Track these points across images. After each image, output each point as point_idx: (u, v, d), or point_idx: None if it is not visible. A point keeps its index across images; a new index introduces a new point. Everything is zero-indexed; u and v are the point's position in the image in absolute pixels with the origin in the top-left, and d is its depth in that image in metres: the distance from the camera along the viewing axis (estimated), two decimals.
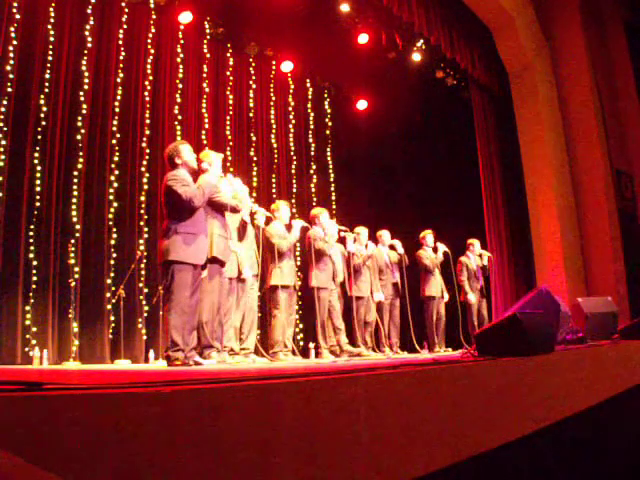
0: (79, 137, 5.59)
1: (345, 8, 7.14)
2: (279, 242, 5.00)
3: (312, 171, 8.50)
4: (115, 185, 5.86)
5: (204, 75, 7.14)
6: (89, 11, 5.91)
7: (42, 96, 5.35)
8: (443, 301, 6.78)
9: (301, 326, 7.44)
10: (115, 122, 5.97)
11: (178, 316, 3.50)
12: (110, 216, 5.74)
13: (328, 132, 8.94)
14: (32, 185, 5.17)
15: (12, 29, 5.17)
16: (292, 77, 8.39)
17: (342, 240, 5.91)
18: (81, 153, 5.58)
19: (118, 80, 6.05)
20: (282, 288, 4.97)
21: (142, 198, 6.07)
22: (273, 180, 7.83)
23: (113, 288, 5.55)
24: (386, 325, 6.38)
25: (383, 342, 6.27)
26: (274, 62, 8.08)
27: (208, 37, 7.25)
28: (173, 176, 3.64)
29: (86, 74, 5.76)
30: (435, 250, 6.79)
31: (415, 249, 6.89)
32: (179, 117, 6.65)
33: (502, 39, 8.24)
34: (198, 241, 3.65)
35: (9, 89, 5.07)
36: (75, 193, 5.49)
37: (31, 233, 5.09)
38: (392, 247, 6.52)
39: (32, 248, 5.07)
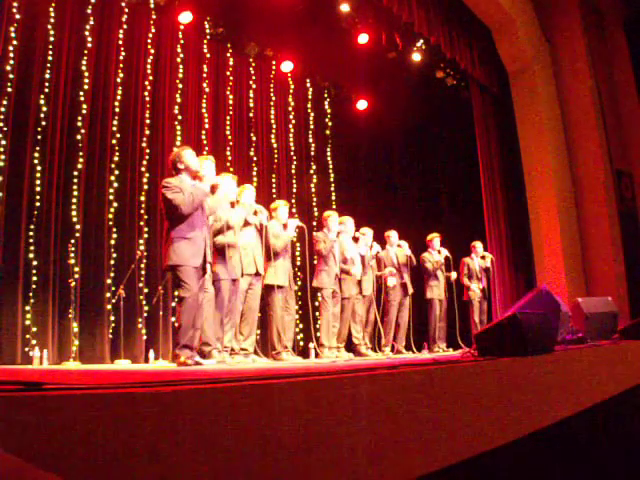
0: (79, 137, 5.58)
1: (345, 8, 7.13)
2: (274, 241, 5.01)
3: (312, 171, 8.49)
4: (115, 185, 5.86)
5: (204, 75, 7.13)
6: (89, 11, 5.90)
7: (42, 96, 5.35)
8: (445, 303, 6.81)
9: (301, 326, 7.43)
10: (115, 122, 5.96)
11: (189, 315, 3.58)
12: (110, 216, 5.73)
13: (328, 132, 8.92)
14: (32, 185, 5.17)
15: (12, 29, 5.17)
16: (292, 77, 8.39)
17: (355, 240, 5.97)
18: (81, 153, 5.57)
19: (118, 80, 6.04)
20: (276, 288, 4.97)
21: (142, 198, 6.06)
22: (273, 180, 7.83)
23: (113, 288, 5.55)
24: (392, 325, 6.39)
25: (383, 342, 6.28)
26: (274, 62, 8.07)
27: (208, 37, 7.25)
28: (166, 183, 3.76)
29: (86, 74, 5.75)
30: (439, 253, 6.82)
31: (414, 249, 6.90)
32: (179, 117, 6.65)
33: (502, 39, 8.24)
34: (193, 244, 3.71)
35: (9, 89, 5.06)
36: (75, 193, 5.49)
37: (31, 233, 5.08)
38: (399, 247, 6.55)
39: (32, 248, 5.06)
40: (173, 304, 5.99)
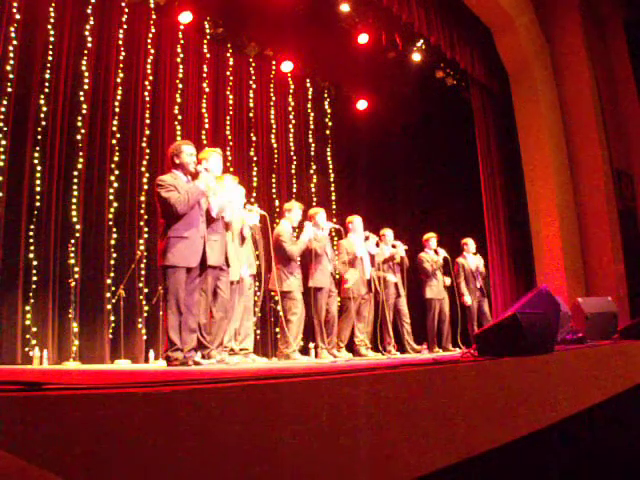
0: (79, 137, 5.58)
1: (345, 8, 7.13)
2: (291, 248, 5.06)
3: (312, 171, 8.49)
4: (115, 185, 5.86)
5: (204, 75, 7.13)
6: (89, 11, 5.90)
7: (42, 96, 5.34)
8: (446, 302, 6.78)
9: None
10: (115, 122, 5.96)
11: (175, 317, 3.56)
12: (110, 216, 5.73)
13: (328, 132, 8.93)
14: (32, 185, 5.17)
15: (12, 29, 5.16)
16: (292, 77, 8.39)
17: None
18: (81, 153, 5.57)
19: (118, 80, 6.04)
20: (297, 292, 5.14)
21: (142, 198, 6.06)
22: (273, 180, 7.83)
23: (113, 288, 5.55)
24: (390, 325, 6.38)
25: (393, 343, 6.28)
26: (274, 62, 8.07)
27: (208, 37, 7.25)
28: (160, 181, 3.73)
29: (86, 74, 5.75)
30: (436, 253, 6.81)
31: (414, 249, 6.89)
32: (179, 117, 6.65)
33: (502, 39, 8.24)
34: (190, 243, 3.67)
35: (9, 89, 5.06)
36: (75, 193, 5.49)
37: (31, 233, 5.08)
38: (394, 247, 6.52)
39: (32, 248, 5.06)
40: None
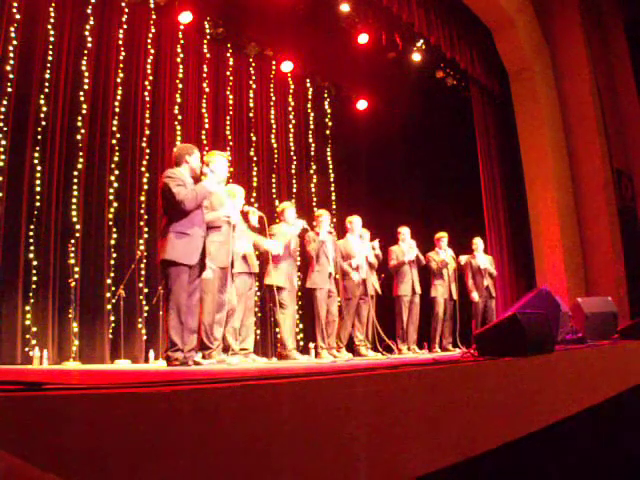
0: (79, 137, 5.58)
1: (345, 8, 7.12)
2: (267, 246, 5.03)
3: (312, 171, 8.50)
4: (115, 185, 5.86)
5: (204, 75, 7.14)
6: (89, 11, 5.90)
7: (42, 96, 5.35)
8: (452, 302, 6.79)
9: (301, 326, 7.43)
10: (115, 122, 5.96)
11: (176, 316, 3.52)
12: (110, 216, 5.73)
13: (328, 132, 8.93)
14: (32, 185, 5.17)
15: (12, 29, 5.17)
16: (292, 77, 8.39)
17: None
18: (81, 153, 5.57)
19: (118, 80, 6.04)
20: (276, 289, 5.00)
21: (142, 198, 6.06)
22: (273, 180, 7.83)
23: (113, 288, 5.55)
24: (405, 324, 6.38)
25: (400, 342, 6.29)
26: (274, 62, 8.08)
27: (208, 37, 7.25)
28: (171, 173, 3.63)
29: (86, 74, 5.75)
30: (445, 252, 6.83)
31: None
32: (179, 117, 6.65)
33: (502, 39, 8.24)
34: (191, 241, 3.61)
35: (9, 89, 5.06)
36: (75, 193, 5.49)
37: (31, 233, 5.08)
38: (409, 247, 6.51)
39: (32, 248, 5.06)
40: None
